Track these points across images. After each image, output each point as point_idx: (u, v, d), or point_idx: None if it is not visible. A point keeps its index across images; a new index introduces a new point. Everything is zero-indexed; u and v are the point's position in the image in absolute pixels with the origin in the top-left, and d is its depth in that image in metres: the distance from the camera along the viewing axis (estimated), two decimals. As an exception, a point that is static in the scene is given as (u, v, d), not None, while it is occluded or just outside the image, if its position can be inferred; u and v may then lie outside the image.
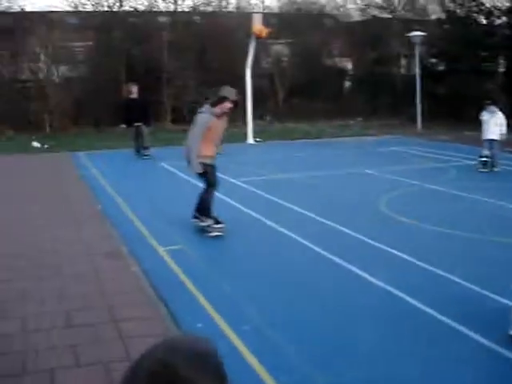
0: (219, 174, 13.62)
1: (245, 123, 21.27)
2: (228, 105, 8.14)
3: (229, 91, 8.27)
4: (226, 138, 19.06)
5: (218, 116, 8.21)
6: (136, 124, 16.66)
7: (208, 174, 8.44)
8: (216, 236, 8.23)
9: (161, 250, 7.64)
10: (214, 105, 8.17)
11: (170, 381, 1.02)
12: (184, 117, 25.37)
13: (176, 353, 1.06)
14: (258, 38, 19.82)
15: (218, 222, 8.37)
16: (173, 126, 24.60)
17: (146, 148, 16.96)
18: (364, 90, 28.76)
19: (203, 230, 8.39)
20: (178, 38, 25.54)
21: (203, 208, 8.46)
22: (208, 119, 8.16)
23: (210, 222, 8.36)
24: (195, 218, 8.54)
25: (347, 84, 32.30)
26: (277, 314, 5.60)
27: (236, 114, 24.91)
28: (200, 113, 8.32)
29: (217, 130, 8.35)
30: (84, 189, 12.28)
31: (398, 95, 28.28)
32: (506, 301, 5.55)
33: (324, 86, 28.74)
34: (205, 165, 8.25)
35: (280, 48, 30.42)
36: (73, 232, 8.64)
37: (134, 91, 17.01)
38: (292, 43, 29.93)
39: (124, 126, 17.07)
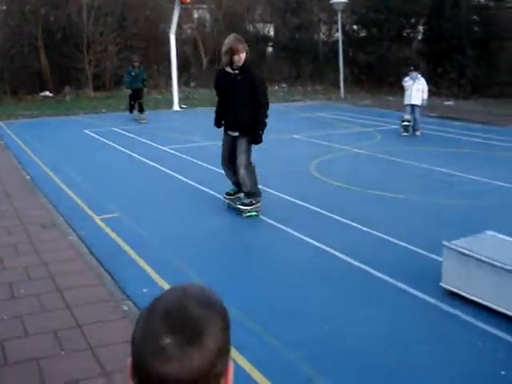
0: (148, 141, 13.63)
1: (170, 90, 21.07)
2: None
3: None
4: (152, 105, 18.95)
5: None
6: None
7: None
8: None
9: (97, 219, 7.60)
10: None
11: (182, 320, 1.12)
12: (105, 84, 24.90)
13: (188, 296, 1.17)
14: (182, 2, 19.55)
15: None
16: (95, 93, 24.02)
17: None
18: (287, 57, 28.92)
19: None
20: (96, 2, 24.78)
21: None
22: None
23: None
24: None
25: (269, 50, 32.39)
26: (216, 275, 5.73)
27: (160, 80, 24.69)
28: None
29: None
30: (9, 159, 11.92)
31: (320, 62, 28.64)
32: (433, 256, 5.90)
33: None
34: None
35: (203, 13, 30.12)
36: (5, 204, 8.44)
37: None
38: (215, 8, 29.66)
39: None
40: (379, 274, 5.74)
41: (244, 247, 6.71)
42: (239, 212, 7.61)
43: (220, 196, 8.56)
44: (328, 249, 6.45)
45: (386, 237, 6.81)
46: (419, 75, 14.37)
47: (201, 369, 1.11)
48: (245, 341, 4.38)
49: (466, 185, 9.48)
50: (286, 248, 6.59)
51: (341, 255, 6.25)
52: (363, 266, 5.94)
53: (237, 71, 7.35)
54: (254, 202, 7.59)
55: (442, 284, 5.32)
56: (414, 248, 6.44)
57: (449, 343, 4.52)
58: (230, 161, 7.86)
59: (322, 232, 6.97)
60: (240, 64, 7.26)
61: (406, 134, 14.38)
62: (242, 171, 7.56)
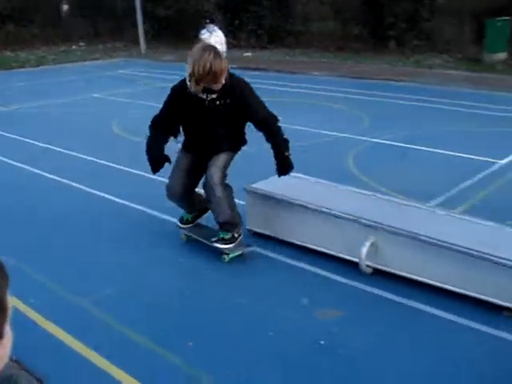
0: None
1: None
2: None
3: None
4: None
5: None
6: None
7: None
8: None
9: None
10: None
11: None
12: None
13: None
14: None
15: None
16: None
17: None
18: (84, 14, 27.72)
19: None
20: None
21: None
22: None
23: None
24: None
25: (65, 7, 30.80)
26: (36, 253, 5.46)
27: None
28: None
29: None
30: None
31: (119, 18, 27.82)
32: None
33: (40, 11, 27.11)
34: None
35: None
36: None
37: None
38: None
39: None
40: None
41: (53, 213, 6.43)
42: (221, 253, 5.18)
43: (29, 168, 8.11)
44: (127, 202, 6.42)
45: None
46: (216, 28, 14.48)
47: None
48: (49, 302, 4.31)
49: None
50: (96, 208, 6.43)
51: (149, 210, 6.23)
52: (165, 217, 5.98)
53: (214, 95, 4.90)
54: (236, 235, 5.19)
55: (247, 227, 5.50)
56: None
57: (258, 279, 4.78)
58: (189, 189, 5.33)
59: (126, 187, 6.89)
60: (219, 88, 4.85)
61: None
62: (217, 193, 5.01)
